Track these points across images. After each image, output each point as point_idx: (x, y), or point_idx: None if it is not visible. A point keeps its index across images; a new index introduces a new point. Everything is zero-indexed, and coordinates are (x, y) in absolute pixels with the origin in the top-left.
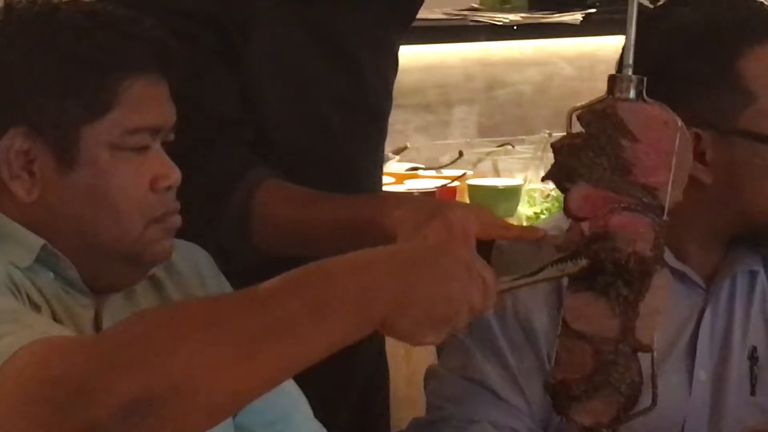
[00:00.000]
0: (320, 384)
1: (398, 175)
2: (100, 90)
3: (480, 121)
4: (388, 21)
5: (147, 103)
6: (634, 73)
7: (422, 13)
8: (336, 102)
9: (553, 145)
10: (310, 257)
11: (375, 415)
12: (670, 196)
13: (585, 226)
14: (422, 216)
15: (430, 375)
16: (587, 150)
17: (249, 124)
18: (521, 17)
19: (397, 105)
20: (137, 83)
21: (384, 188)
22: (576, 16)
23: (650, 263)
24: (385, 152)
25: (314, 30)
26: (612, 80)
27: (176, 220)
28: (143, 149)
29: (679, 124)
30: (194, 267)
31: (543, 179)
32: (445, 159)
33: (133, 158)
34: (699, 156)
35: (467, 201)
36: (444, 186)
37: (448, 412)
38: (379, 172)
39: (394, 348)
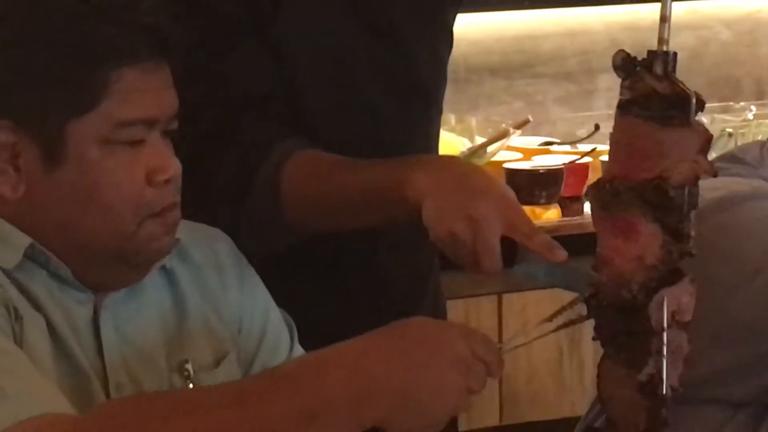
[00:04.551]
0: None
1: (527, 150)
2: (89, 82)
3: None
4: None
5: (141, 94)
6: None
7: None
8: (378, 80)
9: None
10: (338, 230)
11: None
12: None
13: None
14: (447, 204)
15: None
16: None
17: (279, 99)
18: None
19: (535, 74)
20: (130, 73)
21: (510, 164)
22: None
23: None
24: (507, 126)
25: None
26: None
27: (176, 215)
28: (138, 142)
29: None
30: (212, 255)
31: None
32: (583, 133)
33: (125, 152)
34: None
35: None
36: (573, 162)
37: None
38: None
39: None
